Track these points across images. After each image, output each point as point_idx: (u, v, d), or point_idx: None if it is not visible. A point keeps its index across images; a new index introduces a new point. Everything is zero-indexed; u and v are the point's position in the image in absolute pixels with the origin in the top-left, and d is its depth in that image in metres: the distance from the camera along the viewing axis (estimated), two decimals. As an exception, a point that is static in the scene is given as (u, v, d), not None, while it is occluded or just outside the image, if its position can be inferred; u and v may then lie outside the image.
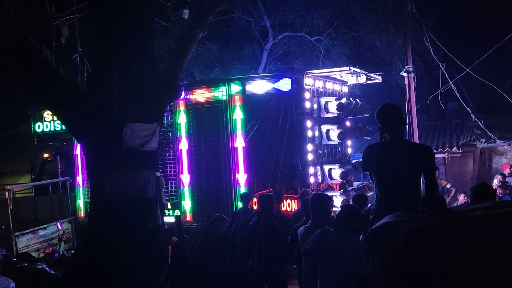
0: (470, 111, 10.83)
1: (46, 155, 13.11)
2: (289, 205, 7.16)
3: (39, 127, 10.58)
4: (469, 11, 17.50)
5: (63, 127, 8.96)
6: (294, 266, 5.31)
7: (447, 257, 2.22)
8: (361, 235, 4.16)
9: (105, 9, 5.32)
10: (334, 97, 7.88)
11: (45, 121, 10.46)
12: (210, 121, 7.85)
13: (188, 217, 7.90)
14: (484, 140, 11.94)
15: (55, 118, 10.08)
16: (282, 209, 6.90)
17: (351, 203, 5.92)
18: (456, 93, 10.06)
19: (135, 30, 5.28)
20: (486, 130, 11.52)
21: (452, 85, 9.89)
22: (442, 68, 9.64)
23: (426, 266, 2.24)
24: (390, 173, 3.37)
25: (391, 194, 3.36)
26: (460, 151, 11.79)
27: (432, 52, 9.61)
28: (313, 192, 6.39)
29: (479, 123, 11.24)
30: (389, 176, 3.38)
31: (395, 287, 2.35)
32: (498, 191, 8.40)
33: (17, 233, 8.26)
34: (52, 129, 10.40)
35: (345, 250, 3.73)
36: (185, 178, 7.99)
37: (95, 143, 5.20)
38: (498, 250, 2.19)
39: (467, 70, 9.96)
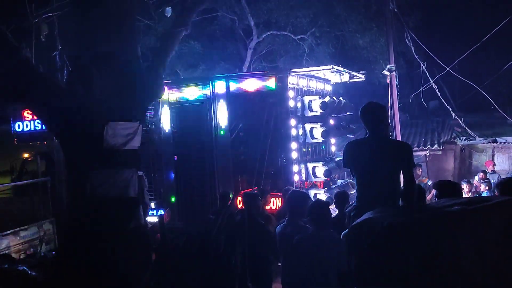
0: (450, 109, 11.03)
1: (26, 155, 12.85)
2: (274, 203, 7.18)
3: (19, 126, 10.33)
4: (450, 11, 17.79)
5: (43, 126, 8.78)
6: (280, 264, 5.32)
7: (426, 252, 2.26)
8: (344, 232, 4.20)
9: (85, 5, 5.23)
10: (318, 96, 7.92)
11: (25, 120, 10.23)
12: (193, 120, 7.82)
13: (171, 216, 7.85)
14: (464, 138, 12.18)
15: (35, 117, 9.87)
16: (267, 208, 6.91)
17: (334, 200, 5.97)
18: (437, 92, 10.23)
19: (116, 27, 5.21)
20: (466, 128, 11.75)
21: (433, 84, 10.06)
22: (423, 67, 9.78)
23: (405, 262, 2.27)
24: (370, 169, 3.41)
25: (371, 190, 3.41)
26: (441, 148, 12.00)
27: (413, 51, 9.75)
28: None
29: (460, 121, 11.46)
30: (369, 173, 3.42)
31: (375, 283, 2.38)
32: (481, 187, 8.56)
33: (-3, 234, 8.10)
34: (32, 128, 10.16)
35: (325, 249, 3.76)
36: (169, 177, 7.94)
37: (75, 142, 5.12)
38: (475, 244, 2.24)
39: (448, 69, 10.15)
